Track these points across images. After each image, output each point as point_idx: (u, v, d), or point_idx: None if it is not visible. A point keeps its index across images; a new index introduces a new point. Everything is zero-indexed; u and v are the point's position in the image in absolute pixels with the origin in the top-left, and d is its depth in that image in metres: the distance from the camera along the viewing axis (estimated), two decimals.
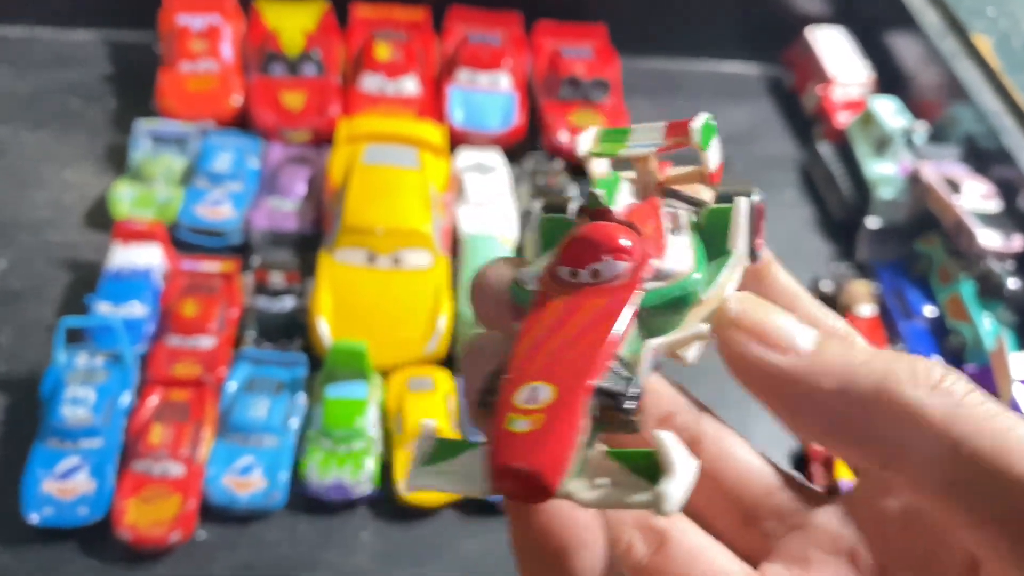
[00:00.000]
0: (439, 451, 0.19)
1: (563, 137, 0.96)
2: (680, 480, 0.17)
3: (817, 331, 0.20)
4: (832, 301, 0.87)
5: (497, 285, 0.23)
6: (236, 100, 0.94)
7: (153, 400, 0.70)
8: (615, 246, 0.20)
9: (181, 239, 0.84)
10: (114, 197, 0.85)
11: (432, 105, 0.97)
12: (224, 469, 0.67)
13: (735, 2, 1.15)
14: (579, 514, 0.20)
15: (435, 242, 0.80)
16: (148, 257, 0.78)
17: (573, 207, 0.24)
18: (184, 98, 0.93)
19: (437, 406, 0.73)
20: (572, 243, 0.22)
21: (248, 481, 0.66)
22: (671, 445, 0.17)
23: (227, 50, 0.96)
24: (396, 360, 0.76)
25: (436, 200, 0.84)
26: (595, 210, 0.22)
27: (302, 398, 0.72)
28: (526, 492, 0.17)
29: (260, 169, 0.90)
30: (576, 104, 0.98)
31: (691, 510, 0.22)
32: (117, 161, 0.91)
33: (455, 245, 0.86)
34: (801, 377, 0.19)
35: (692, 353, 0.20)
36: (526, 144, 0.99)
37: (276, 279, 0.78)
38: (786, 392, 0.19)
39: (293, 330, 0.77)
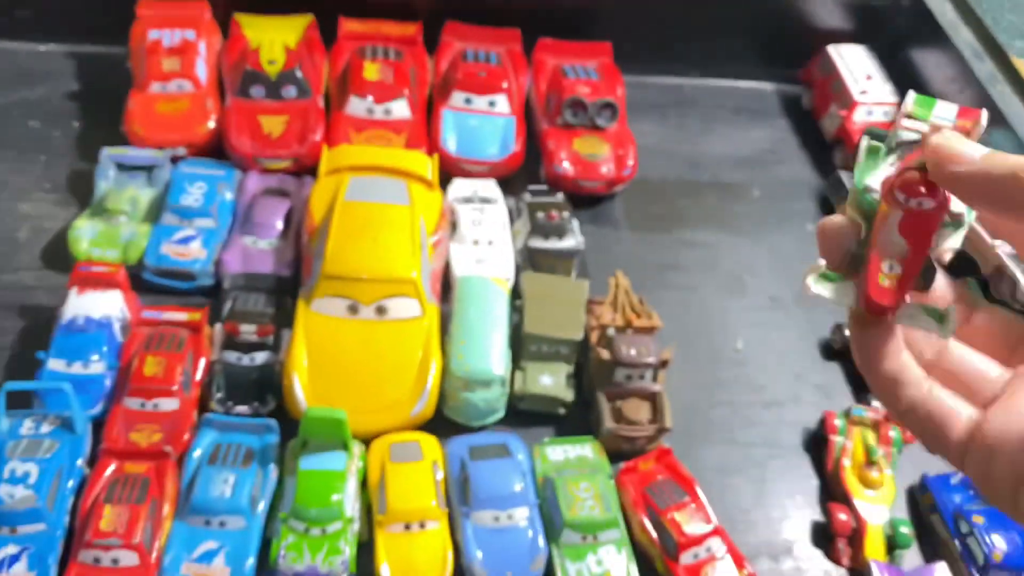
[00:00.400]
0: (825, 276, 0.34)
1: (566, 166, 0.88)
2: (952, 324, 0.32)
3: (983, 148, 0.30)
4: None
5: (851, 192, 0.34)
6: (210, 125, 0.86)
7: (107, 475, 0.62)
8: (936, 193, 0.32)
9: (146, 281, 0.77)
10: (74, 235, 0.77)
11: (423, 130, 0.89)
12: (183, 556, 0.60)
13: (749, 16, 1.07)
14: (894, 334, 0.33)
15: (423, 290, 0.73)
16: (107, 306, 0.71)
17: (892, 142, 0.35)
18: (154, 122, 0.85)
19: (423, 478, 0.66)
20: (908, 180, 0.32)
21: (209, 571, 0.59)
22: (951, 308, 0.33)
23: (202, 69, 0.89)
24: (379, 426, 0.69)
25: (426, 241, 0.76)
26: (918, 168, 0.32)
27: (272, 471, 0.65)
28: (879, 312, 0.32)
29: (235, 201, 0.82)
30: (580, 130, 0.91)
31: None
32: (80, 192, 0.84)
33: (446, 286, 0.79)
34: (977, 172, 0.29)
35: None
36: (524, 174, 0.91)
37: (248, 331, 0.71)
38: (969, 185, 0.30)
39: (265, 388, 0.70)
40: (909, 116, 0.35)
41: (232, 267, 0.77)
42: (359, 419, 0.68)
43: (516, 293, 0.78)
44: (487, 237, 0.82)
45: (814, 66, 1.06)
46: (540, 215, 0.83)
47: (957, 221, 0.33)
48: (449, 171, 0.88)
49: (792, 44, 1.08)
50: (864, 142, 0.36)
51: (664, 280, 0.87)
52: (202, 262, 0.77)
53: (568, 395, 0.73)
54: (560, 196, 0.87)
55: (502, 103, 0.91)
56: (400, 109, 0.89)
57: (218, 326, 0.73)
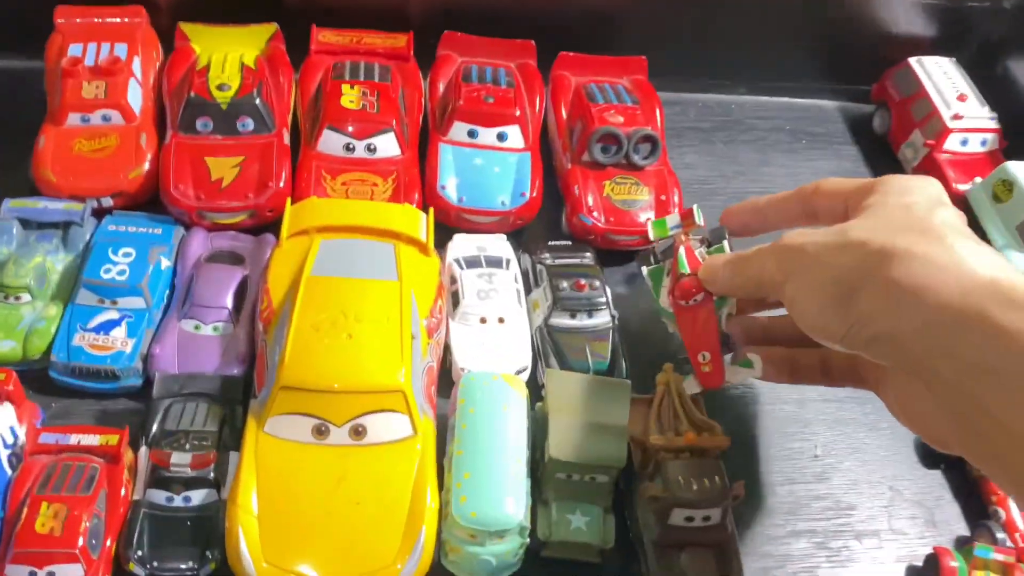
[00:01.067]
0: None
1: (595, 216, 0.70)
2: (759, 365, 0.56)
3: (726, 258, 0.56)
4: None
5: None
6: (144, 168, 0.68)
7: None
8: (701, 288, 0.54)
9: (54, 382, 0.59)
10: None
11: (416, 172, 0.71)
12: None
13: (808, 21, 0.88)
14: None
15: (414, 401, 0.55)
16: None
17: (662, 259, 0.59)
18: (71, 166, 0.67)
19: None
20: (682, 288, 0.55)
21: None
22: (755, 356, 0.57)
23: (135, 95, 0.70)
24: None
25: (419, 328, 0.58)
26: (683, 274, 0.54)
27: None
28: (716, 388, 0.57)
29: (173, 270, 0.64)
30: (612, 170, 0.73)
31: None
32: None
33: (444, 380, 0.61)
34: (727, 285, 0.55)
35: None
36: (541, 225, 0.73)
37: (180, 462, 0.53)
38: (726, 291, 0.55)
39: (203, 540, 0.52)
40: (655, 239, 0.60)
41: (166, 363, 0.59)
42: None
43: (533, 387, 0.60)
44: (497, 313, 0.64)
45: (889, 82, 0.87)
46: (564, 284, 0.65)
47: (723, 298, 0.56)
48: (449, 223, 0.70)
49: (860, 55, 0.90)
50: (644, 272, 0.61)
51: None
52: (127, 356, 0.59)
53: (607, 539, 0.55)
54: (589, 255, 0.69)
55: (514, 136, 0.73)
56: (387, 146, 0.71)
57: (143, 452, 0.55)
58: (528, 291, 0.67)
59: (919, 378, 0.47)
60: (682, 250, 0.57)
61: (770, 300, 0.61)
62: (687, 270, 0.55)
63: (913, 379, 0.48)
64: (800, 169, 0.86)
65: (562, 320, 0.64)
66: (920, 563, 0.60)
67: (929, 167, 0.81)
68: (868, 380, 0.56)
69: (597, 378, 0.60)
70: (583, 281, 0.65)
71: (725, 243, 0.58)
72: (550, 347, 0.63)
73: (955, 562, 0.58)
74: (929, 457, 0.66)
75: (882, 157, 0.87)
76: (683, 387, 0.57)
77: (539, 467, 0.56)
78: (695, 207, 0.59)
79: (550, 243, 0.70)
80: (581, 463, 0.54)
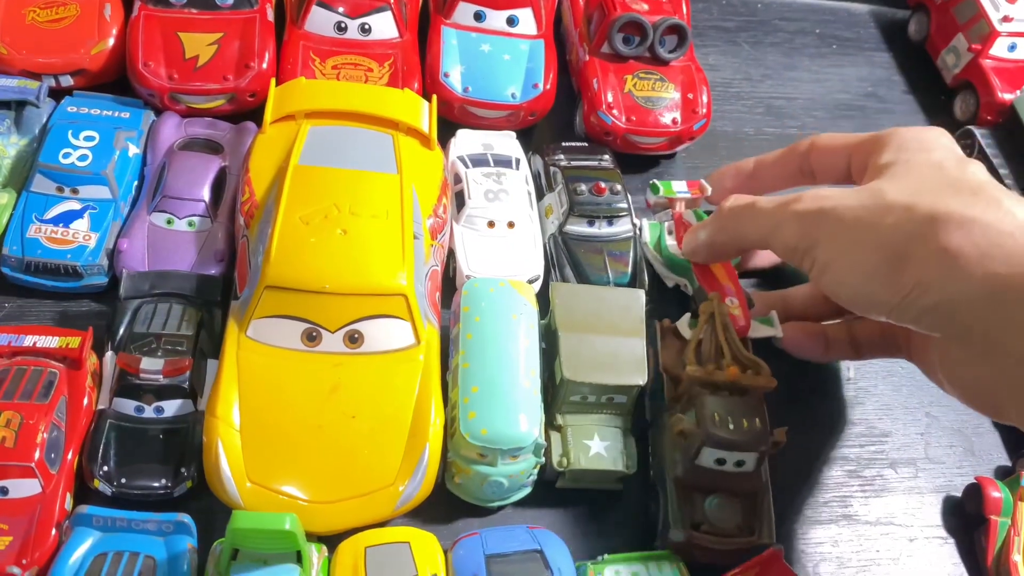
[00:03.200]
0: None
1: (615, 115, 0.63)
2: (778, 323, 0.55)
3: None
4: None
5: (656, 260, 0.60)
6: (108, 43, 0.60)
7: None
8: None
9: (7, 279, 0.52)
10: None
11: (416, 57, 0.63)
12: None
13: None
14: None
15: (418, 306, 0.49)
16: None
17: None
18: (25, 38, 0.59)
19: None
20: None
21: None
22: (773, 313, 0.55)
23: None
24: (350, 519, 0.45)
25: (422, 227, 0.52)
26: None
27: None
28: (743, 335, 0.53)
29: (141, 159, 0.57)
30: (635, 64, 0.65)
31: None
32: None
33: (448, 288, 0.55)
34: (709, 255, 0.55)
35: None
36: (553, 123, 0.66)
37: (152, 368, 0.47)
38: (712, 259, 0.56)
39: (176, 456, 0.46)
40: (656, 201, 0.60)
41: (134, 260, 0.52)
42: (320, 512, 0.45)
43: (543, 301, 0.54)
44: (506, 216, 0.58)
45: None
46: (583, 188, 0.58)
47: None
48: (452, 118, 0.63)
49: None
50: (645, 224, 0.60)
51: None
52: (90, 251, 0.52)
53: (629, 464, 0.50)
54: (607, 157, 0.62)
55: (526, 21, 0.66)
56: (383, 26, 0.63)
57: (109, 356, 0.48)
58: (540, 195, 0.61)
59: (975, 348, 0.43)
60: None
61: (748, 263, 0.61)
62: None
63: (966, 348, 0.43)
64: (828, 76, 0.79)
65: (579, 227, 0.58)
66: (959, 493, 0.56)
67: (973, 74, 0.74)
68: (903, 349, 0.53)
69: (608, 288, 0.54)
70: (603, 185, 0.59)
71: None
72: (565, 257, 0.57)
73: (999, 492, 0.54)
74: None
75: (918, 65, 0.80)
76: (729, 321, 0.51)
77: (549, 390, 0.50)
78: (703, 180, 0.59)
79: (564, 144, 0.63)
80: (598, 383, 0.49)
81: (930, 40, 0.79)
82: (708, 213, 0.58)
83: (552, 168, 0.61)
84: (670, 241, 0.59)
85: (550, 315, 0.52)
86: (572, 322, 0.51)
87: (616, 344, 0.50)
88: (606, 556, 0.46)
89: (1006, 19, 0.73)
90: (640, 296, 0.53)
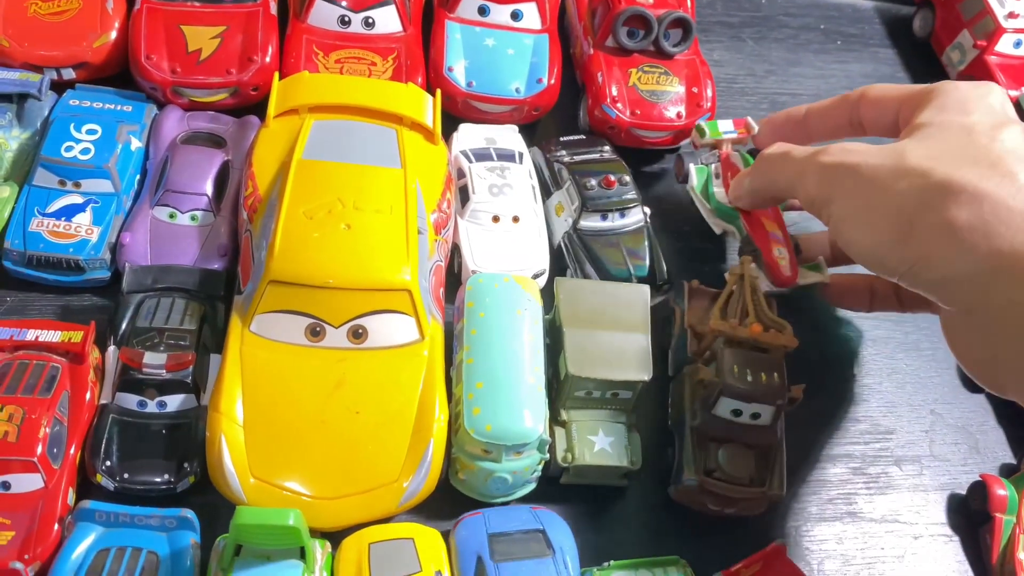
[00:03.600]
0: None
1: (618, 108, 0.63)
2: (826, 269, 0.55)
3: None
4: None
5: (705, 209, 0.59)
6: (111, 37, 0.60)
7: None
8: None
9: (9, 272, 0.52)
10: None
11: (419, 52, 0.63)
12: None
13: None
14: None
15: (422, 301, 0.49)
16: None
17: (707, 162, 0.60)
18: (27, 31, 0.59)
19: None
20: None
21: None
22: (821, 259, 0.56)
23: None
24: (354, 515, 0.45)
25: (426, 222, 0.52)
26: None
27: None
28: (790, 284, 0.53)
29: (144, 152, 0.57)
30: (639, 57, 0.65)
31: None
32: None
33: (452, 283, 0.55)
34: (750, 199, 0.55)
35: None
36: (556, 118, 0.66)
37: (155, 362, 0.47)
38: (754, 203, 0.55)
39: (180, 452, 0.46)
40: (702, 142, 0.60)
41: (137, 255, 0.52)
42: (324, 508, 0.45)
43: (548, 296, 0.54)
44: (511, 211, 0.57)
45: None
46: (592, 183, 0.58)
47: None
48: (455, 112, 0.62)
49: None
50: (692, 169, 0.59)
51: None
52: (93, 245, 0.52)
53: (634, 460, 0.49)
54: (607, 148, 0.62)
55: (530, 15, 0.65)
56: (387, 20, 0.63)
57: (112, 351, 0.48)
58: (546, 193, 0.60)
59: (978, 323, 0.43)
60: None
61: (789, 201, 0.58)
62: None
63: (969, 322, 0.43)
64: (832, 72, 0.78)
65: (593, 222, 0.57)
66: (963, 491, 0.56)
67: (978, 71, 0.74)
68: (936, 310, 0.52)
69: (612, 284, 0.54)
70: (612, 177, 0.58)
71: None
72: (584, 253, 0.56)
73: (1004, 490, 0.54)
74: (972, 381, 0.61)
75: (923, 62, 0.80)
76: (758, 283, 0.51)
77: (554, 386, 0.50)
78: (749, 119, 0.60)
79: (562, 139, 0.62)
80: (602, 379, 0.49)
81: (935, 36, 0.79)
82: (754, 155, 0.57)
83: (556, 164, 0.60)
84: (717, 188, 0.58)
85: (554, 310, 0.52)
86: (576, 317, 0.51)
87: (621, 339, 0.50)
88: (611, 563, 0.46)
89: (1012, 15, 0.73)
90: (645, 291, 0.53)
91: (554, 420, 0.50)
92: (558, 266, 0.57)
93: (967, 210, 0.41)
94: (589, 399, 0.50)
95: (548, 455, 0.48)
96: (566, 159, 0.60)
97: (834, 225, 0.46)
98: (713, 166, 0.59)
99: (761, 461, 0.49)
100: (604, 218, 0.57)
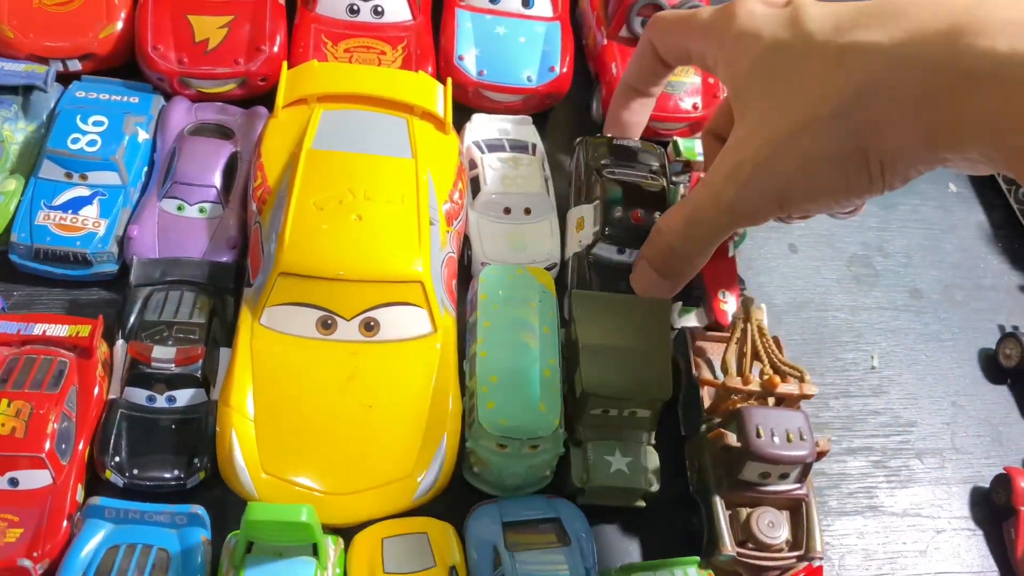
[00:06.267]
0: None
1: None
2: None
3: None
4: None
5: None
6: (117, 27, 0.59)
7: None
8: None
9: (15, 266, 0.51)
10: None
11: (429, 40, 0.62)
12: None
13: None
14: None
15: (434, 293, 0.48)
16: None
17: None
18: (32, 21, 0.58)
19: None
20: None
21: None
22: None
23: None
24: (366, 511, 0.44)
25: (438, 213, 0.51)
26: None
27: None
28: None
29: (151, 144, 0.56)
30: None
31: None
32: None
33: (464, 276, 0.54)
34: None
35: None
36: (569, 108, 0.65)
37: (164, 356, 0.46)
38: None
39: (189, 447, 0.45)
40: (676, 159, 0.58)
41: (145, 247, 0.51)
42: (336, 503, 0.44)
43: (560, 289, 0.52)
44: (523, 203, 0.56)
45: None
46: (618, 214, 0.53)
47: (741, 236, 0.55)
48: (466, 102, 0.61)
49: None
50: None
51: (766, 265, 0.62)
52: (100, 238, 0.51)
53: (651, 482, 0.48)
54: (657, 165, 0.56)
55: (542, 2, 0.64)
56: (396, 8, 0.62)
57: (120, 345, 0.47)
58: (577, 198, 0.57)
59: None
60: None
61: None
62: None
63: None
64: None
65: (607, 253, 0.53)
66: (986, 484, 0.55)
67: None
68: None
69: (632, 297, 0.51)
70: (641, 213, 0.54)
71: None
72: (593, 283, 0.53)
73: None
74: (994, 368, 0.60)
75: None
76: (764, 325, 0.49)
77: (570, 403, 0.49)
78: None
79: (615, 142, 0.57)
80: (620, 397, 0.46)
81: None
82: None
83: (594, 175, 0.56)
84: None
85: (571, 325, 0.49)
86: (594, 332, 0.48)
87: (639, 356, 0.47)
88: (627, 565, 0.45)
89: None
90: (666, 305, 0.50)
91: (570, 439, 0.48)
92: (560, 283, 0.54)
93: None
94: (606, 417, 0.48)
95: (564, 449, 0.47)
96: (607, 170, 0.55)
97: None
98: (682, 188, 0.56)
99: (794, 520, 0.47)
100: (621, 251, 0.53)
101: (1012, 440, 0.57)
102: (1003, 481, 0.53)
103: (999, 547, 0.53)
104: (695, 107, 0.62)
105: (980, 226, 0.68)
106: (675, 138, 0.58)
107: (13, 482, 0.43)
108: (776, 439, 0.45)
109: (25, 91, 0.56)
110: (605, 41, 0.64)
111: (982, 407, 0.59)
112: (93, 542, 0.42)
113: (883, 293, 0.63)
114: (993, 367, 0.60)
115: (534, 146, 0.59)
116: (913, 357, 0.60)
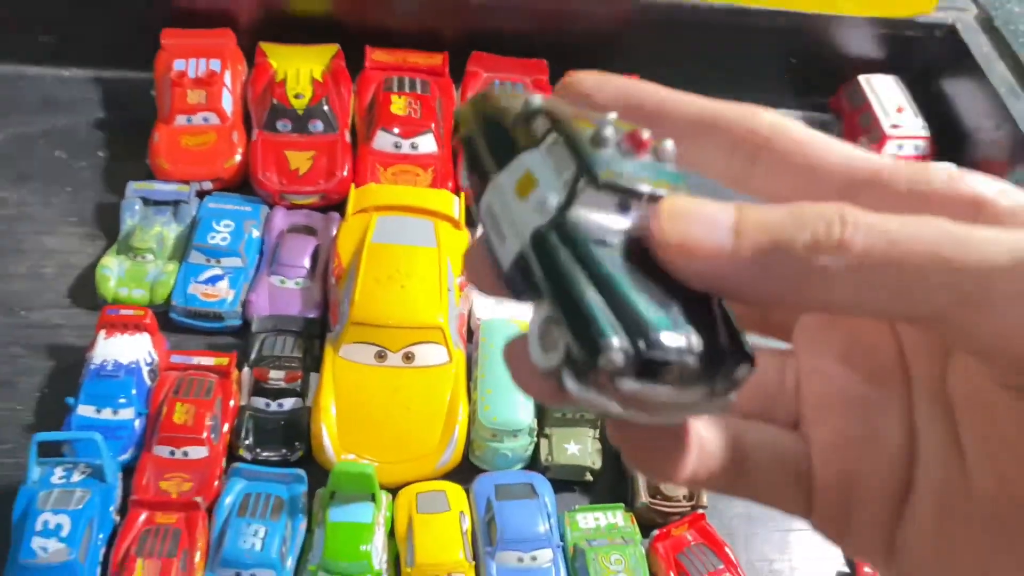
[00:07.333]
0: None
1: None
2: None
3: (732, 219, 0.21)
4: None
5: None
6: (236, 159, 0.86)
7: (138, 525, 0.63)
8: None
9: (173, 321, 0.77)
10: (102, 274, 0.77)
11: (449, 165, 0.89)
12: None
13: (777, 41, 1.05)
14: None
15: (450, 336, 0.73)
16: (136, 350, 0.71)
17: None
18: (179, 156, 0.85)
19: (450, 528, 0.66)
20: None
21: None
22: None
23: (227, 101, 0.88)
24: (406, 476, 0.69)
25: (453, 283, 0.76)
26: None
27: (301, 523, 0.65)
28: None
29: (261, 239, 0.82)
30: None
31: None
32: (106, 225, 0.83)
33: (470, 329, 0.79)
34: (731, 273, 0.21)
35: None
36: None
37: (276, 377, 0.71)
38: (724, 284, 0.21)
39: (293, 435, 0.70)
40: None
41: (260, 308, 0.77)
42: (386, 469, 0.68)
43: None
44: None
45: (843, 95, 1.04)
46: None
47: None
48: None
49: (821, 71, 1.06)
50: None
51: None
52: (230, 303, 0.77)
53: (595, 463, 0.72)
54: None
55: None
56: (427, 144, 0.88)
57: (246, 371, 0.73)
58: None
59: None
60: None
61: None
62: None
63: None
64: None
65: None
66: None
67: None
68: None
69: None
70: None
71: None
72: None
73: None
74: None
75: None
76: None
77: (539, 408, 0.73)
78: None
79: None
80: (573, 405, 0.71)
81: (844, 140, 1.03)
82: None
83: None
84: None
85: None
86: None
87: None
88: (577, 507, 0.69)
89: (894, 126, 0.97)
90: None
91: (540, 433, 0.72)
92: None
93: None
94: (565, 418, 0.72)
95: (536, 439, 0.71)
96: None
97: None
98: None
99: None
100: None
101: None
102: None
103: None
104: None
105: None
106: None
107: (185, 454, 0.67)
108: None
109: (175, 204, 0.83)
110: None
111: None
112: (235, 490, 0.66)
113: None
114: None
115: None
116: None
